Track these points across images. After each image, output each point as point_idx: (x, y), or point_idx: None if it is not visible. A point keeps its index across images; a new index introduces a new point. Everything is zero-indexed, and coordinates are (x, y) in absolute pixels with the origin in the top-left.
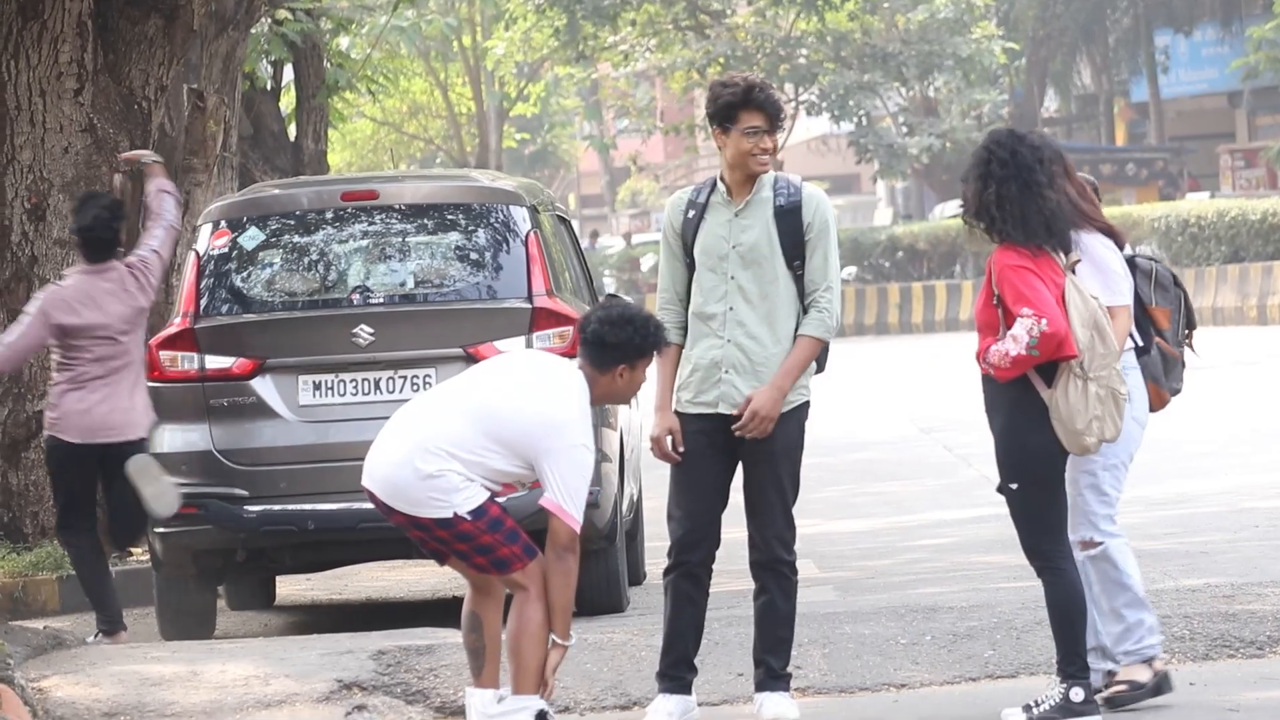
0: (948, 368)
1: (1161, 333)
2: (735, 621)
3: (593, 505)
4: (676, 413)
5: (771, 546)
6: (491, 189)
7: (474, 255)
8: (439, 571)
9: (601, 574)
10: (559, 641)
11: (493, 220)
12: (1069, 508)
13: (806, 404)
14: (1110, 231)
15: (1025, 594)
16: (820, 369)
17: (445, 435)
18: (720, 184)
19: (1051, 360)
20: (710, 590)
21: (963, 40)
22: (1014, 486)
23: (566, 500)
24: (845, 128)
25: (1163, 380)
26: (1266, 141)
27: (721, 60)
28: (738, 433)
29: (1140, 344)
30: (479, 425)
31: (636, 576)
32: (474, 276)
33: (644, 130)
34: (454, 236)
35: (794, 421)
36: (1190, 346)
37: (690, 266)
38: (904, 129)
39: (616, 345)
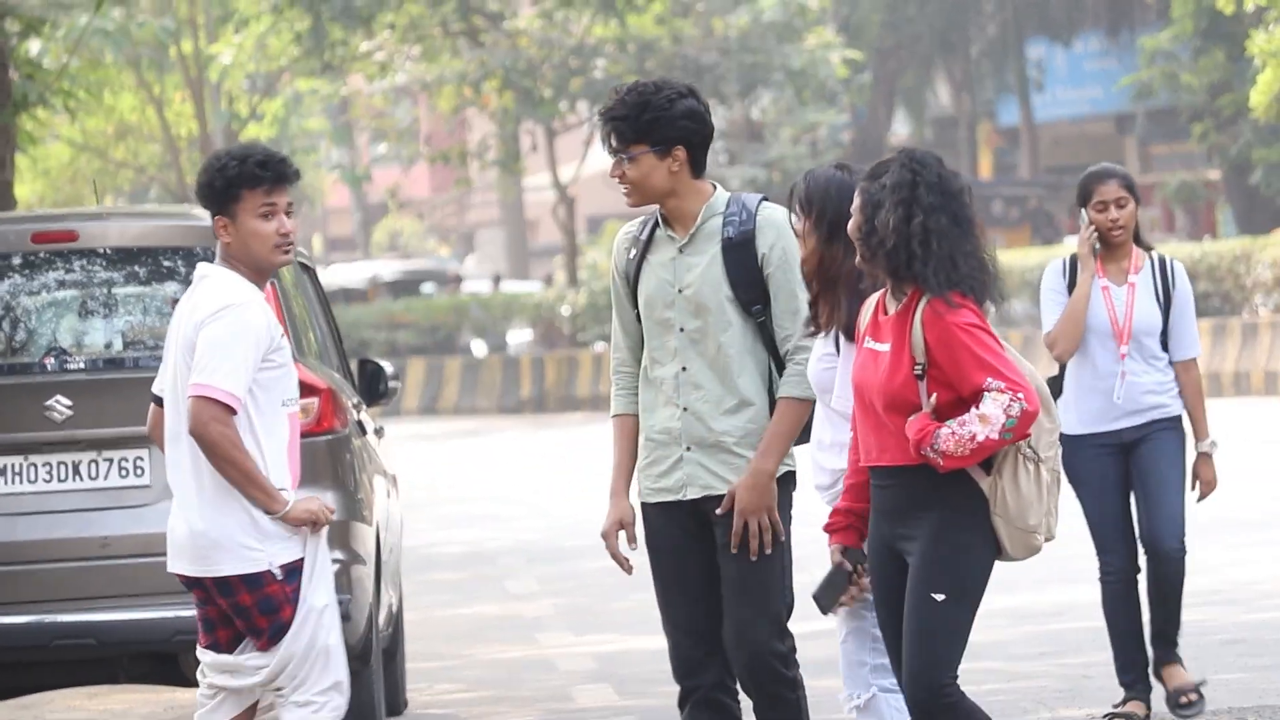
0: None
1: None
2: None
3: (343, 617)
4: (644, 504)
5: (762, 661)
6: None
7: None
8: (151, 699)
9: (353, 702)
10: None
11: None
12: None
13: (791, 474)
14: None
15: None
16: (805, 438)
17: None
18: (660, 214)
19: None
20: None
21: (794, 50)
22: (939, 597)
23: (205, 370)
24: None
25: None
26: (1162, 175)
27: (499, 73)
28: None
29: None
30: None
31: (396, 705)
32: None
33: (405, 158)
34: (171, 287)
35: (777, 500)
36: None
37: (640, 317)
38: (723, 157)
39: (203, 198)
